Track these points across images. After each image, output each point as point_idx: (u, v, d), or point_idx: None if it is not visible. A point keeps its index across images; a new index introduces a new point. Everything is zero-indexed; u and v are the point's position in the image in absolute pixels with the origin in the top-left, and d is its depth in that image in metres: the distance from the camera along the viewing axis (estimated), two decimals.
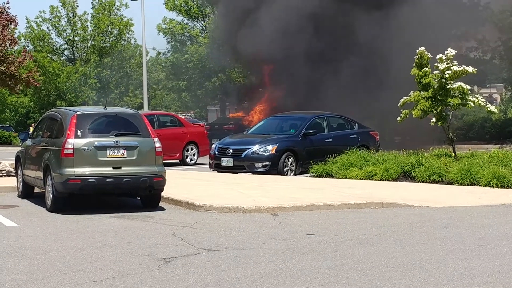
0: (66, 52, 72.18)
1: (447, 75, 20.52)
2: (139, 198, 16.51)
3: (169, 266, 9.89)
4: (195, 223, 13.63)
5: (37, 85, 26.94)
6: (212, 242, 11.66)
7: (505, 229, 12.84)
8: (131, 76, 72.05)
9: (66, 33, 69.80)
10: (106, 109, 16.35)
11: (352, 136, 25.37)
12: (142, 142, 15.45)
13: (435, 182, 19.18)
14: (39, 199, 16.93)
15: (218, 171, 23.75)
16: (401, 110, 21.82)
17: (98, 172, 15.00)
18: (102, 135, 15.40)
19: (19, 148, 19.47)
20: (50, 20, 69.36)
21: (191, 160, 30.01)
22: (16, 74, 24.49)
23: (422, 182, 19.33)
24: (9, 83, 24.73)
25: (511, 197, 16.72)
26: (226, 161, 23.63)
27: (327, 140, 24.58)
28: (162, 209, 15.71)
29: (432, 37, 36.06)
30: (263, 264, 9.96)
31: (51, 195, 15.30)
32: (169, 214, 14.96)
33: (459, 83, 20.57)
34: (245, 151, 23.45)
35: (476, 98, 21.24)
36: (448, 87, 20.61)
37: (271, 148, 23.28)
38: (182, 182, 19.75)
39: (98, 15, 69.39)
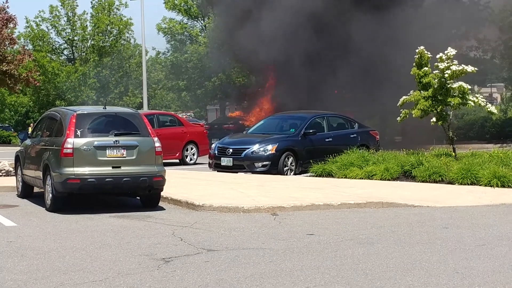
0: (65, 52, 72.19)
1: (446, 75, 20.51)
2: (138, 198, 16.49)
3: (169, 266, 9.87)
4: (194, 223, 13.61)
5: (37, 84, 26.94)
6: (211, 242, 11.64)
7: (506, 229, 12.82)
8: (130, 76, 72.04)
9: (66, 33, 69.80)
10: (105, 108, 16.33)
11: (352, 136, 25.36)
12: (141, 142, 15.43)
13: (435, 181, 19.17)
14: (38, 199, 16.92)
15: (218, 171, 23.74)
16: (401, 110, 21.81)
17: (98, 171, 14.99)
18: (102, 134, 15.37)
19: (18, 148, 19.45)
20: (50, 19, 69.35)
21: (190, 159, 29.99)
22: (15, 73, 24.49)
23: (422, 181, 19.32)
24: (9, 82, 24.73)
25: (511, 196, 16.70)
26: (226, 161, 23.61)
27: (327, 140, 24.56)
28: (162, 209, 15.70)
29: (432, 37, 36.04)
30: (263, 264, 9.94)
31: (50, 195, 15.28)
32: (168, 214, 14.94)
33: (460, 83, 20.56)
34: (245, 150, 23.43)
35: (476, 98, 21.23)
36: (448, 86, 20.60)
37: (271, 148, 23.26)
38: (181, 182, 19.73)
39: (97, 14, 69.38)
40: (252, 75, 55.42)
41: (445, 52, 20.77)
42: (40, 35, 69.08)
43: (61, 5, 69.15)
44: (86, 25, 69.94)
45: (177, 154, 29.48)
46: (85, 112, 15.87)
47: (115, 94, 70.12)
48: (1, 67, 24.15)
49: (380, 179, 20.02)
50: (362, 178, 20.36)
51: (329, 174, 21.47)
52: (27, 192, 17.95)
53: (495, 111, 21.91)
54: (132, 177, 15.14)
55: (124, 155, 15.20)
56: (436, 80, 20.82)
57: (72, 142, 14.96)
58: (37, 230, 13.07)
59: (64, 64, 70.12)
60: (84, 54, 70.53)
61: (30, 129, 54.98)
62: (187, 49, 66.17)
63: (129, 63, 72.01)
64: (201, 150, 30.25)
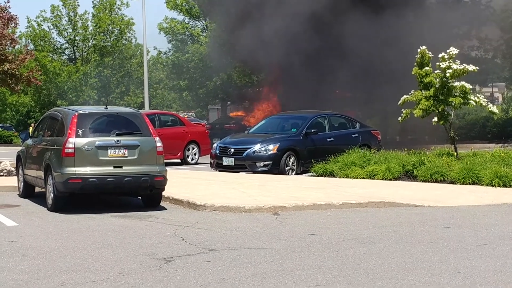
0: (67, 52, 72.20)
1: (448, 74, 20.51)
2: (140, 198, 16.49)
3: (170, 265, 9.87)
4: (196, 223, 13.61)
5: (38, 84, 26.93)
6: (213, 241, 11.64)
7: (507, 229, 12.81)
8: (132, 76, 72.05)
9: (67, 33, 69.81)
10: (107, 108, 16.34)
11: (353, 136, 25.34)
12: (143, 142, 15.43)
13: (437, 181, 19.16)
14: (40, 199, 16.92)
15: (219, 171, 23.73)
16: (402, 110, 21.81)
17: (99, 171, 14.98)
18: (103, 134, 15.37)
19: (20, 148, 19.45)
20: (51, 19, 69.36)
21: (192, 159, 29.99)
22: (17, 73, 24.49)
23: (424, 181, 19.31)
24: (10, 82, 24.73)
25: None
26: (227, 161, 23.60)
27: (328, 140, 24.55)
28: (163, 208, 15.69)
29: (434, 37, 36.03)
30: (265, 264, 9.93)
31: (52, 195, 15.29)
32: (170, 214, 14.94)
33: (462, 83, 20.55)
34: (246, 150, 23.42)
35: (478, 97, 21.23)
36: (450, 85, 20.59)
37: (272, 148, 23.25)
38: (183, 182, 19.73)
39: (99, 14, 69.39)
40: (253, 75, 55.45)
41: (447, 51, 20.76)
42: (42, 35, 69.09)
43: (63, 5, 69.17)
44: (88, 24, 69.95)
45: (179, 154, 29.49)
46: (87, 112, 15.86)
47: (116, 94, 70.14)
48: (3, 67, 24.15)
49: (382, 179, 20.01)
50: (364, 178, 20.35)
51: (331, 174, 21.46)
52: (28, 192, 17.95)
53: (496, 111, 21.90)
54: (133, 177, 15.13)
55: (126, 155, 15.20)
56: (437, 80, 20.82)
57: (74, 142, 14.96)
58: (39, 230, 13.07)
59: (65, 64, 70.14)
60: (85, 54, 70.53)
61: (31, 129, 55.19)
62: (189, 49, 66.16)
63: (130, 62, 72.02)
64: (203, 150, 30.26)
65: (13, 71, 24.28)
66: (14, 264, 10.03)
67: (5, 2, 25.43)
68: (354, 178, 20.53)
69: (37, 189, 17.75)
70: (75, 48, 71.12)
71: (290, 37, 40.82)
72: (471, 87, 21.12)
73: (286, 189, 18.09)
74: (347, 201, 15.65)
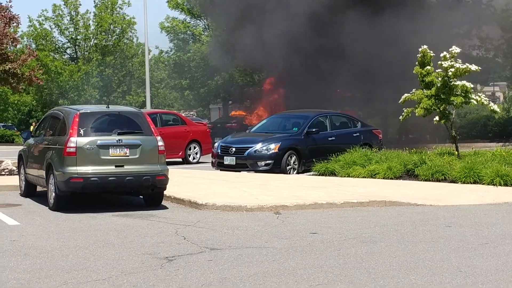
0: (68, 51, 72.29)
1: (450, 73, 20.51)
2: (141, 197, 16.50)
3: (172, 265, 9.88)
4: (197, 222, 13.62)
5: (40, 83, 26.93)
6: (215, 240, 11.65)
7: (509, 228, 12.82)
8: (133, 75, 72.08)
9: (69, 32, 69.88)
10: (108, 107, 16.35)
11: (355, 135, 25.33)
12: (144, 141, 15.44)
13: (438, 180, 19.17)
14: (41, 198, 16.93)
15: (220, 170, 23.73)
16: (403, 109, 21.82)
17: (101, 170, 14.99)
18: (105, 133, 15.38)
19: (21, 147, 19.46)
20: (53, 18, 69.43)
21: (193, 158, 29.99)
22: (18, 72, 24.50)
23: (425, 180, 19.31)
24: (12, 81, 24.74)
25: None
26: (228, 160, 23.61)
27: (330, 139, 24.54)
28: (165, 207, 15.70)
29: (434, 36, 36.02)
30: (266, 263, 9.94)
31: (53, 194, 15.30)
32: (171, 213, 14.95)
33: (463, 82, 20.56)
34: (247, 149, 23.43)
35: (479, 96, 21.23)
36: (451, 84, 20.60)
37: (273, 147, 23.26)
38: (184, 181, 19.74)
39: (100, 13, 69.45)
40: (255, 74, 55.45)
41: (450, 50, 20.77)
42: (43, 34, 69.17)
43: (64, 4, 69.23)
44: (89, 24, 70.02)
45: (180, 153, 29.48)
46: (88, 111, 15.87)
47: (118, 93, 70.18)
48: (4, 66, 24.16)
49: (383, 178, 20.01)
50: (365, 177, 20.36)
51: (332, 173, 21.46)
52: (30, 191, 17.97)
53: (497, 109, 21.90)
54: (135, 176, 15.14)
55: (127, 154, 15.21)
56: (439, 79, 20.82)
57: (75, 141, 14.97)
58: (40, 229, 13.09)
59: (67, 63, 70.22)
60: (87, 53, 70.60)
61: (32, 128, 55.19)
62: (190, 48, 66.16)
63: (132, 62, 72.07)
64: (204, 149, 30.25)
65: (14, 71, 24.28)
66: (16, 263, 10.04)
67: (6, 1, 25.45)
68: (355, 177, 20.53)
69: (39, 188, 17.76)
70: (76, 47, 71.19)
71: (291, 37, 40.82)
72: (472, 86, 21.12)
73: (288, 188, 18.10)
74: (348, 200, 15.66)
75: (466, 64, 20.69)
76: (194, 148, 30.12)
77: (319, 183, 19.22)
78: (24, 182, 18.07)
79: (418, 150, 22.06)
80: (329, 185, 18.75)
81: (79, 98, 66.63)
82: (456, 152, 21.36)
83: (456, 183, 18.74)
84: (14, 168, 21.79)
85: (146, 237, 12.08)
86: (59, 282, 8.95)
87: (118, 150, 15.16)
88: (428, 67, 20.93)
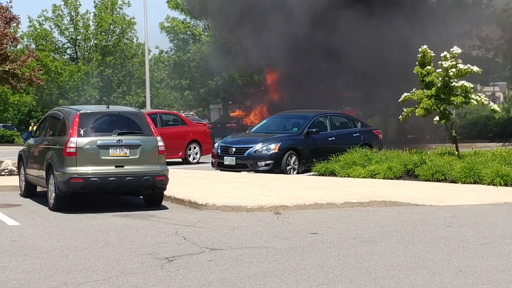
0: (68, 51, 72.29)
1: (451, 73, 20.51)
2: (141, 197, 16.49)
3: (172, 265, 9.87)
4: (198, 222, 13.62)
5: (40, 83, 26.92)
6: (215, 241, 11.64)
7: (509, 228, 12.81)
8: (133, 75, 72.09)
9: (69, 32, 69.88)
10: (108, 108, 16.36)
11: (355, 135, 25.32)
12: (144, 141, 15.44)
13: (438, 180, 19.16)
14: (41, 198, 16.93)
15: (220, 170, 23.73)
16: (404, 109, 21.82)
17: (101, 171, 14.99)
18: (105, 134, 15.38)
19: (21, 147, 19.46)
20: (53, 19, 69.43)
21: (193, 159, 29.98)
22: (18, 73, 24.49)
23: (425, 180, 19.31)
24: (12, 81, 24.73)
25: None
26: (228, 160, 23.60)
27: (330, 139, 24.54)
28: (165, 208, 15.70)
29: (434, 36, 36.01)
30: (266, 263, 9.94)
31: (53, 194, 15.29)
32: (171, 213, 14.95)
33: (462, 82, 20.56)
34: (247, 149, 23.42)
35: (479, 96, 21.23)
36: (452, 85, 20.59)
37: (273, 147, 23.25)
38: (184, 181, 19.74)
39: (100, 13, 69.45)
40: (255, 74, 55.41)
41: (451, 50, 20.77)
42: (43, 34, 69.17)
43: (64, 4, 69.24)
44: (89, 24, 70.02)
45: (180, 153, 29.47)
46: (88, 111, 15.87)
47: (118, 93, 70.18)
48: (4, 66, 24.15)
49: (383, 178, 20.01)
50: (365, 177, 20.35)
51: (332, 173, 21.45)
52: (30, 191, 17.97)
53: (498, 109, 21.89)
54: (135, 176, 15.14)
55: (127, 154, 15.21)
56: (439, 79, 20.82)
57: (75, 141, 14.97)
58: (40, 229, 13.08)
59: (67, 63, 70.22)
60: (87, 53, 70.61)
61: (30, 128, 55.20)
62: (190, 48, 66.14)
63: (132, 62, 72.08)
64: (204, 149, 30.25)
65: (14, 71, 24.27)
66: (16, 264, 10.03)
67: (7, 1, 25.43)
68: (355, 177, 20.53)
69: (39, 189, 17.75)
70: (76, 47, 71.20)
71: (291, 36, 40.80)
72: (472, 86, 21.12)
73: (288, 188, 18.10)
74: (348, 200, 15.65)
75: (468, 65, 20.69)
76: (194, 148, 30.11)
77: (319, 183, 19.21)
78: (24, 183, 18.07)
79: (418, 150, 22.05)
80: (329, 185, 18.74)
81: (79, 98, 66.63)
82: (456, 152, 21.36)
83: (456, 183, 18.74)
84: (14, 168, 21.78)
85: (146, 237, 12.08)
86: (59, 283, 8.95)
87: (118, 150, 15.16)
88: (429, 67, 20.93)
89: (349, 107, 47.05)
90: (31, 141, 18.01)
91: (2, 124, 71.10)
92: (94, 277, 9.19)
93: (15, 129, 68.97)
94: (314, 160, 23.01)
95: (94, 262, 10.07)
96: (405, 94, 21.59)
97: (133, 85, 72.14)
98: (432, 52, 21.11)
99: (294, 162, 23.44)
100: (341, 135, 24.91)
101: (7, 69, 24.14)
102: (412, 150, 22.28)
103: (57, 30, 69.82)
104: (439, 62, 20.85)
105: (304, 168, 23.54)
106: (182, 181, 19.41)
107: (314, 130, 24.18)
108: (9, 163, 22.82)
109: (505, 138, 41.88)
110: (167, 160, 16.37)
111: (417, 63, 21.25)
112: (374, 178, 20.21)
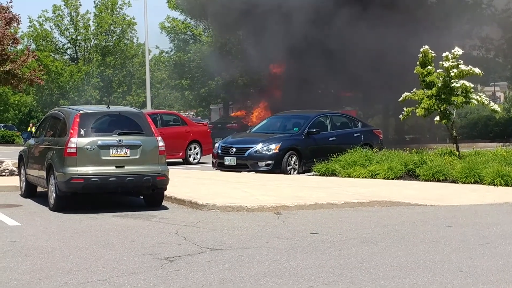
0: (68, 51, 72.28)
1: (452, 74, 20.50)
2: (142, 197, 16.49)
3: (173, 265, 9.87)
4: (198, 222, 13.62)
5: (41, 83, 26.90)
6: (215, 241, 11.64)
7: (509, 228, 12.81)
8: (134, 75, 72.10)
9: (69, 32, 69.87)
10: (109, 108, 16.36)
11: (355, 135, 25.33)
12: (145, 141, 15.43)
13: (438, 180, 19.16)
14: (42, 199, 16.93)
15: (221, 170, 23.73)
16: (404, 108, 21.82)
17: (101, 171, 14.99)
18: (105, 134, 15.38)
19: (22, 147, 19.46)
20: (53, 19, 69.42)
21: (194, 159, 29.98)
22: (19, 73, 24.47)
23: (426, 180, 19.31)
24: (12, 82, 24.72)
25: None
26: (229, 160, 23.61)
27: (330, 139, 24.54)
28: (165, 208, 15.70)
29: (435, 36, 36.02)
30: (267, 263, 9.94)
31: (54, 194, 15.29)
32: (172, 213, 14.94)
33: (462, 81, 20.55)
34: (248, 150, 23.42)
35: (480, 96, 21.22)
36: (452, 85, 20.58)
37: (274, 147, 23.25)
38: (185, 181, 19.74)
39: (100, 14, 69.45)
40: (255, 74, 55.40)
41: (452, 51, 20.77)
42: (43, 34, 69.17)
43: (64, 5, 69.23)
44: (89, 24, 70.02)
45: (181, 154, 29.48)
46: (89, 111, 15.87)
47: (118, 94, 70.18)
48: (5, 66, 24.14)
49: (384, 178, 20.01)
50: (366, 177, 20.36)
51: (333, 173, 21.45)
52: (30, 191, 17.96)
53: (498, 109, 21.89)
54: (135, 176, 15.14)
55: (128, 155, 15.21)
56: (440, 79, 20.81)
57: (76, 141, 14.97)
58: (41, 229, 13.08)
59: (67, 63, 70.21)
60: (87, 53, 70.61)
61: (29, 128, 55.19)
62: (190, 48, 66.14)
63: (132, 62, 72.09)
64: (205, 150, 30.25)
65: (15, 71, 24.26)
66: (17, 264, 10.03)
67: (7, 2, 25.42)
68: (356, 177, 20.53)
69: (39, 189, 17.75)
70: (77, 48, 71.19)
71: (291, 37, 40.81)
72: (472, 85, 21.12)
73: (288, 188, 18.10)
74: (349, 201, 15.65)
75: (470, 66, 20.69)
76: (195, 148, 30.11)
77: (320, 184, 19.22)
78: (24, 183, 18.06)
79: (418, 150, 22.05)
80: (329, 185, 18.74)
81: (79, 98, 66.62)
82: (457, 152, 21.36)
83: (457, 183, 18.74)
84: (15, 168, 21.78)
85: (147, 237, 12.08)
86: (60, 283, 8.95)
87: (118, 150, 15.16)
88: (429, 67, 20.92)
89: (349, 107, 47.09)
90: (31, 141, 18.01)
91: (2, 125, 71.11)
92: (95, 278, 9.20)
93: (16, 129, 68.96)
94: (314, 160, 23.01)
95: (95, 263, 10.07)
96: (406, 94, 21.59)
97: (133, 85, 72.14)
98: (433, 52, 21.11)
99: (294, 162, 23.44)
100: (341, 135, 24.92)
101: (7, 69, 24.13)
102: (413, 150, 22.28)
103: (57, 30, 69.85)
104: (440, 63, 20.85)
105: (305, 168, 23.55)
106: (182, 181, 19.41)
107: (314, 130, 24.18)
108: (10, 163, 22.82)
109: (506, 138, 41.90)
110: (167, 160, 16.37)
111: (418, 63, 21.25)
112: (374, 178, 20.22)
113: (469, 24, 45.40)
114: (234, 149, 23.68)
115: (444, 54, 20.79)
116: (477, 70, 20.66)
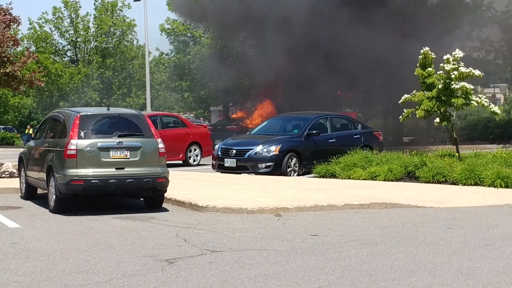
0: (68, 53, 72.32)
1: (453, 76, 20.49)
2: (142, 199, 16.48)
3: (173, 267, 9.87)
4: (198, 224, 13.61)
5: (41, 85, 26.90)
6: (215, 243, 11.64)
7: (510, 229, 12.81)
8: (133, 77, 72.15)
9: (69, 34, 69.94)
10: (109, 110, 16.35)
11: (355, 137, 25.33)
12: (145, 143, 15.43)
13: (439, 182, 19.16)
14: (42, 200, 16.92)
15: (221, 172, 23.73)
16: (404, 109, 21.81)
17: (101, 173, 14.98)
18: (105, 136, 15.37)
19: (22, 149, 19.45)
20: (53, 21, 69.48)
21: (194, 160, 29.97)
22: (19, 75, 24.48)
23: (426, 182, 19.30)
24: (12, 83, 24.72)
25: None
26: (229, 162, 23.60)
27: (330, 141, 24.54)
28: (165, 210, 15.69)
29: (435, 37, 36.03)
30: (267, 265, 9.93)
31: (54, 196, 15.29)
32: (172, 215, 14.94)
33: (462, 83, 20.55)
34: (248, 151, 23.42)
35: (480, 98, 21.22)
36: (452, 87, 20.58)
37: (274, 149, 23.25)
38: (185, 183, 19.73)
39: (100, 16, 69.52)
40: (255, 76, 55.41)
41: (453, 53, 20.76)
42: (43, 36, 69.22)
43: (64, 7, 69.27)
44: (89, 26, 70.06)
45: (181, 155, 29.46)
46: (89, 113, 15.87)
47: (118, 95, 70.21)
48: (5, 69, 24.14)
49: (384, 180, 20.01)
50: (366, 179, 20.35)
51: (333, 175, 21.44)
52: (30, 193, 17.95)
53: (498, 111, 21.89)
54: (135, 178, 15.13)
55: (128, 156, 15.20)
56: (441, 81, 20.81)
57: (76, 143, 14.96)
58: (41, 231, 13.08)
59: (67, 65, 70.24)
60: (87, 55, 70.65)
61: (27, 131, 55.18)
62: (190, 50, 66.15)
63: (132, 64, 72.14)
64: (204, 151, 30.23)
65: (15, 73, 24.26)
66: (17, 266, 10.03)
67: (7, 3, 25.43)
68: (356, 179, 20.52)
69: (39, 191, 17.75)
70: (77, 49, 71.24)
71: (290, 37, 40.82)
72: (472, 87, 21.11)
73: (288, 190, 18.09)
74: (349, 202, 15.64)
75: (470, 68, 20.69)
76: (195, 150, 30.10)
77: (320, 185, 19.21)
78: (24, 185, 18.05)
79: (418, 152, 22.05)
80: (329, 187, 18.74)
81: (79, 100, 66.66)
82: (457, 154, 21.35)
83: (457, 185, 18.74)
84: (15, 170, 21.77)
85: (147, 239, 12.07)
86: (60, 285, 8.95)
87: (118, 152, 15.15)
88: (430, 69, 20.92)
89: (349, 109, 47.11)
90: (31, 143, 18.00)
91: (2, 126, 71.11)
92: (95, 279, 9.19)
93: (16, 131, 68.97)
94: (314, 162, 23.01)
95: (95, 264, 10.07)
96: (405, 95, 21.59)
97: (133, 87, 72.19)
98: (433, 54, 21.11)
99: (294, 164, 23.44)
100: (341, 137, 24.91)
101: (7, 71, 24.13)
102: (413, 152, 22.28)
103: (57, 32, 69.92)
104: (441, 65, 20.84)
105: (305, 170, 23.55)
106: (182, 183, 19.41)
107: (314, 132, 24.18)
108: (10, 165, 22.80)
109: (506, 140, 41.91)
110: (167, 162, 16.36)
111: (418, 65, 21.25)
112: (374, 180, 20.22)
113: (469, 25, 45.43)
114: (234, 151, 23.67)
115: (445, 57, 20.78)
116: (477, 72, 20.67)
